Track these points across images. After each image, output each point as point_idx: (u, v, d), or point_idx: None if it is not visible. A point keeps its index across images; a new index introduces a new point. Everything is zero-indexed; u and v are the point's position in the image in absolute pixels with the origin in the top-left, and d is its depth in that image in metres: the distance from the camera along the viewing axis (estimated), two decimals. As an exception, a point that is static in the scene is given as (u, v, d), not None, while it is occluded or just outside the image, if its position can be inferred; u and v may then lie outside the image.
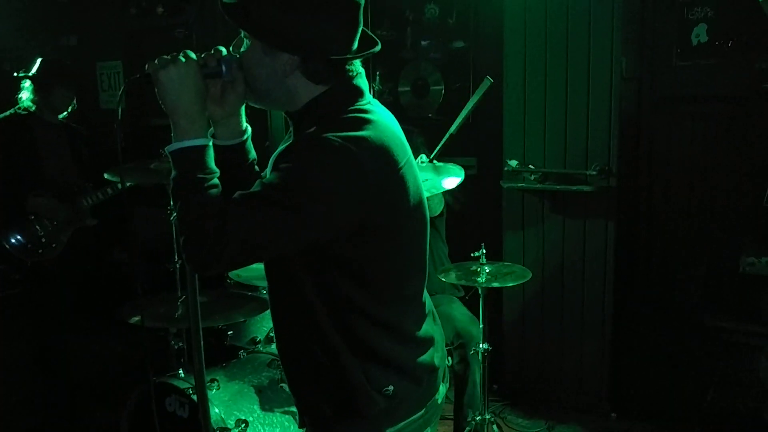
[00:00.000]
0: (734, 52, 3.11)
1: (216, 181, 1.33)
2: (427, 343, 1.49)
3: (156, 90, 1.35)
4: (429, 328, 1.51)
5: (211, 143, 1.37)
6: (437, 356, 1.52)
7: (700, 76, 3.21)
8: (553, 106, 3.37)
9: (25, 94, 3.42)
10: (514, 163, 3.47)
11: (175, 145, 1.34)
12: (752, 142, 3.21)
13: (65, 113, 3.54)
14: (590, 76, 3.24)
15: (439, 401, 1.56)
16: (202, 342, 1.68)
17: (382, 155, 1.32)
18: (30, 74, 3.41)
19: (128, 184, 3.38)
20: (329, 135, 1.27)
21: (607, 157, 3.26)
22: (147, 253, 4.68)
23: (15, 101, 3.45)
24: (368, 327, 1.39)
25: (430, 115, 4.08)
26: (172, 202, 1.33)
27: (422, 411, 1.48)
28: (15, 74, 3.49)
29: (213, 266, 1.27)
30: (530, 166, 3.44)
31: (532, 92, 3.42)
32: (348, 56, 1.37)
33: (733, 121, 3.23)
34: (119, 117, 1.41)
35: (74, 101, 3.55)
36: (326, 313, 1.37)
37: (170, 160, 1.34)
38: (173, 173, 1.33)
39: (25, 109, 3.41)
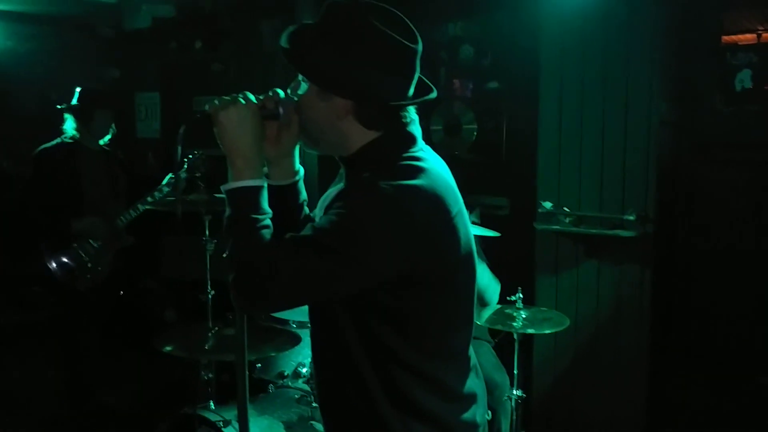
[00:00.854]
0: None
1: (269, 221, 1.34)
2: (471, 399, 1.45)
3: (215, 130, 1.37)
4: (472, 383, 1.47)
5: (266, 184, 1.38)
6: (479, 413, 1.48)
7: (743, 121, 3.17)
8: (589, 149, 3.34)
9: (68, 124, 3.53)
10: (548, 204, 3.43)
11: (232, 185, 1.35)
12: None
13: (106, 138, 3.63)
14: (627, 119, 3.23)
15: None
16: (247, 380, 1.66)
17: (434, 205, 1.31)
18: (70, 105, 3.53)
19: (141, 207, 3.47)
20: (382, 183, 1.27)
21: (645, 202, 3.21)
22: (176, 281, 4.71)
23: (61, 131, 3.55)
24: (410, 379, 1.35)
25: (456, 153, 4.07)
26: (223, 239, 1.33)
27: None
28: (57, 106, 3.60)
29: (260, 306, 1.29)
30: (565, 208, 3.41)
31: (568, 134, 3.41)
32: (403, 103, 1.37)
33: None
34: (178, 156, 1.43)
35: (113, 126, 3.64)
36: (368, 361, 1.35)
37: (225, 198, 1.35)
38: (227, 212, 1.35)
39: (71, 138, 3.52)
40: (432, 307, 1.35)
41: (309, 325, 1.52)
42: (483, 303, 2.66)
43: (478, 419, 1.47)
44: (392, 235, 1.25)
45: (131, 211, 3.54)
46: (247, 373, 1.67)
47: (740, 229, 3.32)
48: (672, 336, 3.55)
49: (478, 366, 1.54)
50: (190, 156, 2.87)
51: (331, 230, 1.26)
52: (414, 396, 1.35)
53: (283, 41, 1.37)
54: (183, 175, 2.84)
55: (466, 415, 1.43)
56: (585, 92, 3.34)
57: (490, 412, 2.71)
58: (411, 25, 1.36)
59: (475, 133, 4.07)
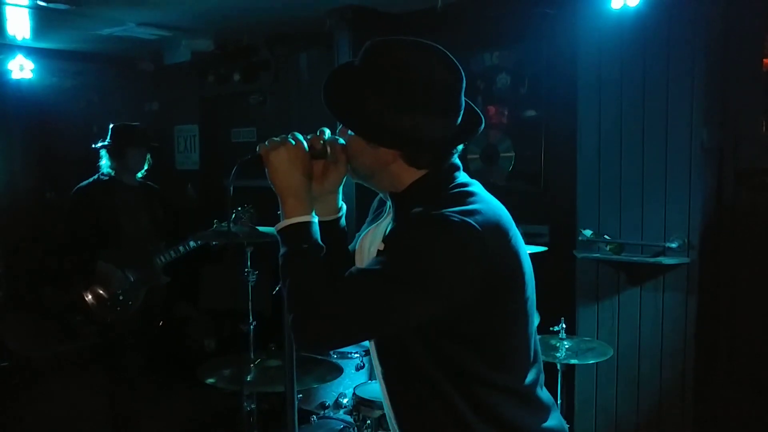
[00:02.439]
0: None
1: (322, 255, 1.36)
2: (551, 406, 1.47)
3: (266, 171, 1.40)
4: (546, 392, 1.49)
5: (317, 220, 1.40)
6: (560, 418, 1.49)
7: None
8: (629, 176, 3.31)
9: (104, 162, 3.63)
10: (588, 232, 3.40)
11: (285, 223, 1.37)
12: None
13: (142, 172, 3.71)
14: (668, 145, 3.18)
15: None
16: (296, 412, 1.66)
17: (496, 227, 1.32)
18: (103, 144, 3.62)
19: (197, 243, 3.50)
20: (444, 211, 1.27)
21: (687, 229, 3.16)
22: (215, 312, 4.76)
23: (98, 168, 3.65)
24: (496, 396, 1.36)
25: (494, 181, 4.06)
26: (281, 279, 1.35)
27: None
28: (93, 146, 3.70)
29: (325, 342, 1.29)
30: (605, 236, 3.36)
31: (607, 161, 3.37)
32: (450, 144, 1.38)
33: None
34: (230, 193, 1.46)
35: (149, 158, 3.71)
36: (451, 386, 1.34)
37: (279, 238, 1.37)
38: (282, 250, 1.36)
39: (107, 174, 3.61)
40: (505, 326, 1.36)
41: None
42: None
43: (563, 425, 1.49)
44: (465, 261, 1.26)
45: (172, 252, 3.60)
46: (297, 404, 1.67)
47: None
48: (717, 366, 3.45)
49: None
50: (240, 208, 2.91)
51: (400, 262, 1.26)
52: (503, 412, 1.36)
53: (325, 88, 1.39)
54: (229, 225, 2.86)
55: (551, 423, 1.44)
56: (623, 118, 3.31)
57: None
58: (452, 57, 1.36)
59: (513, 161, 4.07)
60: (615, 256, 3.32)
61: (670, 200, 3.20)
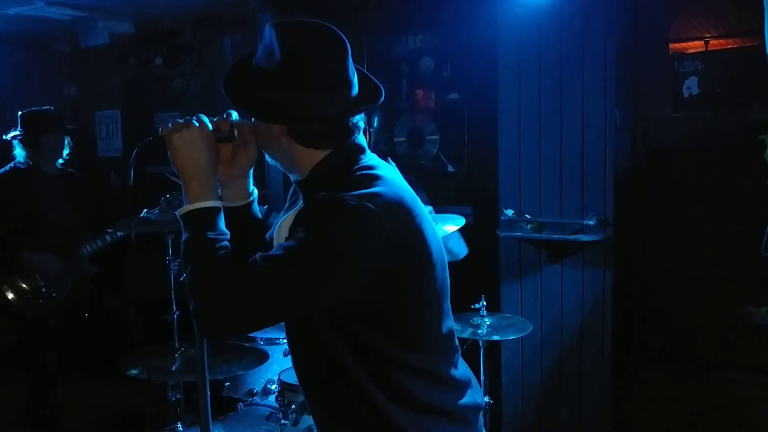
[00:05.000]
0: (725, 103, 3.19)
1: (227, 243, 1.34)
2: (467, 384, 1.49)
3: (168, 153, 1.38)
4: (464, 368, 1.52)
5: (222, 206, 1.38)
6: (477, 394, 1.52)
7: (692, 127, 3.28)
8: (549, 156, 3.41)
9: (18, 151, 3.46)
10: (510, 212, 3.50)
11: (187, 208, 1.35)
12: (745, 192, 3.25)
13: (61, 159, 3.56)
14: (584, 126, 3.30)
15: None
16: (209, 402, 1.65)
17: (397, 208, 1.33)
18: (15, 133, 3.45)
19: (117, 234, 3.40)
20: (344, 195, 1.28)
21: (603, 207, 3.29)
22: (142, 302, 4.64)
23: (13, 156, 3.48)
24: (408, 377, 1.37)
25: (422, 163, 4.12)
26: (182, 265, 1.32)
27: None
28: (4, 137, 3.52)
29: (229, 328, 1.26)
30: (526, 215, 3.47)
31: (527, 142, 3.47)
32: (342, 116, 1.37)
33: (725, 171, 3.28)
34: (131, 180, 1.43)
35: (68, 143, 3.56)
36: (362, 368, 1.36)
37: (181, 223, 1.35)
38: (184, 236, 1.34)
39: (24, 162, 3.44)
40: (413, 306, 1.37)
41: (286, 343, 1.52)
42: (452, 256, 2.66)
43: (478, 401, 1.51)
44: (362, 244, 1.26)
45: (98, 241, 3.48)
46: (209, 394, 1.67)
47: (693, 231, 3.42)
48: (635, 337, 3.64)
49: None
50: (168, 196, 2.84)
51: (302, 247, 1.25)
52: (415, 392, 1.38)
53: (226, 73, 1.40)
54: (156, 215, 2.78)
55: (466, 400, 1.46)
56: (542, 101, 3.41)
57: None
58: (339, 33, 1.35)
59: (438, 144, 4.13)
60: (536, 235, 3.43)
61: (587, 179, 3.32)
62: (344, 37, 1.36)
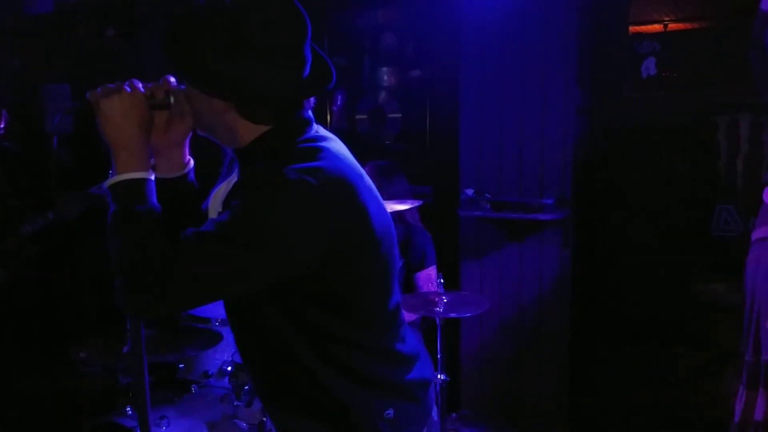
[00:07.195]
0: (682, 84, 3.23)
1: (158, 217, 1.25)
2: (415, 358, 1.46)
3: (97, 120, 1.29)
4: (412, 343, 1.48)
5: (153, 177, 1.30)
6: (427, 369, 1.50)
7: (650, 107, 3.31)
8: (509, 136, 3.41)
9: None
10: (470, 191, 3.49)
11: (116, 179, 1.26)
12: (700, 173, 3.31)
13: None
14: (545, 106, 3.31)
15: (435, 419, 1.52)
16: (147, 386, 1.59)
17: (340, 183, 1.27)
18: None
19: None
20: (284, 169, 1.21)
21: (562, 186, 3.31)
22: (93, 283, 4.51)
23: None
24: (355, 354, 1.34)
25: (387, 142, 4.09)
26: (108, 239, 1.23)
27: (424, 430, 1.45)
28: None
29: (154, 308, 1.17)
30: (486, 194, 3.47)
31: (488, 122, 3.46)
32: (293, 97, 1.31)
33: (681, 151, 3.33)
34: (55, 145, 1.34)
35: (4, 116, 3.40)
36: (308, 347, 1.31)
37: (108, 195, 1.26)
38: (112, 208, 1.25)
39: None
40: (357, 283, 1.33)
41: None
42: None
43: (428, 375, 1.49)
44: (303, 219, 1.20)
45: (39, 220, 3.34)
46: (147, 379, 1.60)
47: (650, 211, 3.47)
48: (592, 314, 3.69)
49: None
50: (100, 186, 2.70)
51: (236, 223, 1.18)
52: (361, 368, 1.35)
53: (165, 27, 1.29)
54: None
55: (414, 375, 1.44)
56: (504, 80, 3.40)
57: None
58: (301, 8, 1.28)
59: (400, 122, 4.08)
60: (496, 214, 3.43)
61: (546, 159, 3.33)
62: (305, 13, 1.29)
